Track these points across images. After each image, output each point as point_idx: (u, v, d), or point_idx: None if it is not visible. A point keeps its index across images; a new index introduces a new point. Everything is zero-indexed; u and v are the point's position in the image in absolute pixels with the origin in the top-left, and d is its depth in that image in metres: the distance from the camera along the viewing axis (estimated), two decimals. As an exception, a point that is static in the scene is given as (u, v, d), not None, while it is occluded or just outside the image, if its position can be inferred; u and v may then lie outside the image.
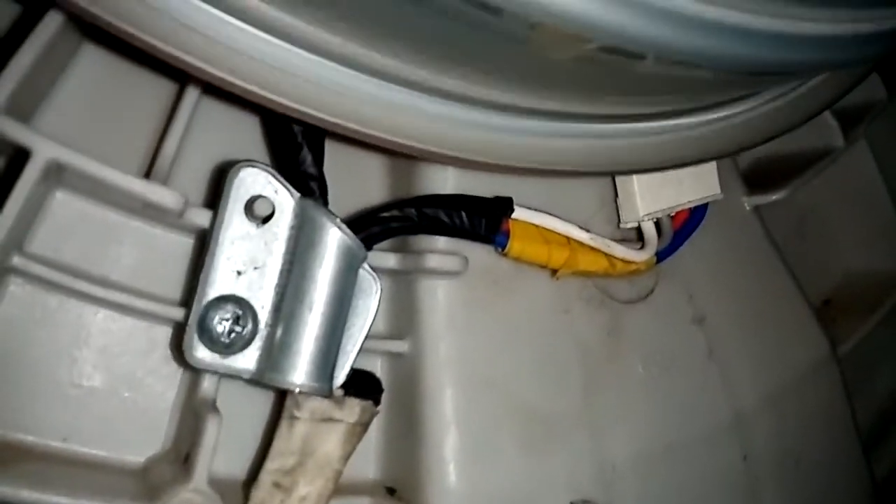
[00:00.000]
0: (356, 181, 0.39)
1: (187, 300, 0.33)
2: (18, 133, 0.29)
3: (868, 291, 0.56)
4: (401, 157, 0.36)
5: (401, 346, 0.38)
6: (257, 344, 0.32)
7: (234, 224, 0.31)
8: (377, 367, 0.38)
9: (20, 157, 0.29)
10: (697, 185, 0.42)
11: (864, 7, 0.29)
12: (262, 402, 0.36)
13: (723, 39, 0.26)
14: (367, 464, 0.38)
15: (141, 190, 0.31)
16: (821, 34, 0.28)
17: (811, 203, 0.55)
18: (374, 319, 0.33)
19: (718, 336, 0.45)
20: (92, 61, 0.35)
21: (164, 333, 0.35)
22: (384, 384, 0.36)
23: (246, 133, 0.37)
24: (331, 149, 0.34)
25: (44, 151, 0.29)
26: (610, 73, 0.29)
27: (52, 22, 0.30)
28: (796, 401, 0.48)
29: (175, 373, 0.35)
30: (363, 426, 0.34)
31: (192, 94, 0.33)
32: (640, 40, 0.25)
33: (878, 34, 0.30)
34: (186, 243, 0.35)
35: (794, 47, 0.28)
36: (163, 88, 0.36)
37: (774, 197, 0.48)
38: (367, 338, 0.33)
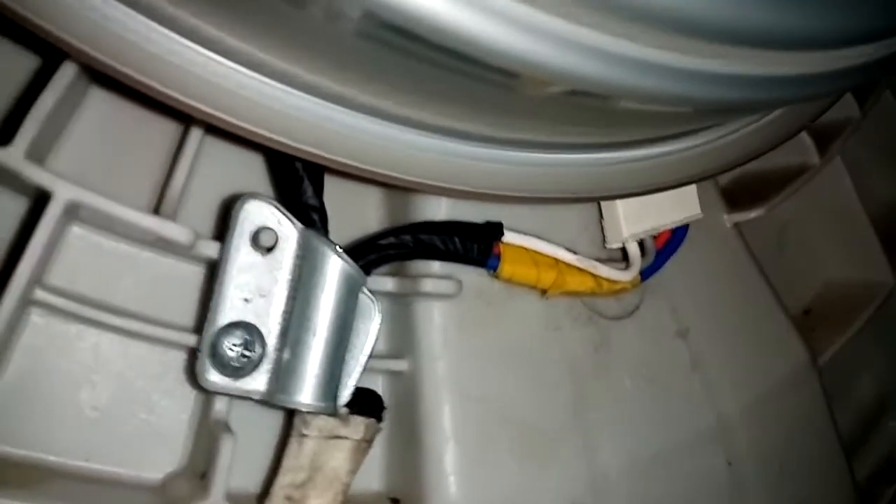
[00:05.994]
0: (355, 211, 0.41)
1: (199, 327, 0.35)
2: (40, 177, 0.31)
3: (847, 301, 0.58)
4: (396, 188, 0.38)
5: (401, 365, 0.39)
6: (266, 367, 0.33)
7: (241, 254, 0.33)
8: (379, 384, 0.40)
9: (41, 198, 0.31)
10: (679, 206, 0.44)
11: (832, 48, 0.31)
12: (272, 421, 0.38)
13: (697, 84, 0.28)
14: (373, 477, 0.40)
15: (153, 226, 0.32)
16: (789, 75, 0.31)
17: (790, 218, 0.57)
18: (375, 341, 0.35)
19: (701, 348, 0.47)
20: (100, 104, 0.36)
21: (178, 357, 0.37)
22: (386, 401, 0.38)
23: (250, 168, 0.38)
24: (331, 181, 0.36)
25: (63, 193, 0.31)
26: (587, 110, 0.31)
27: (68, 71, 0.32)
28: (777, 408, 0.50)
29: (189, 394, 0.37)
30: (368, 442, 0.36)
31: (196, 133, 0.35)
32: (605, 87, 0.27)
33: (847, 70, 0.33)
34: (198, 272, 0.37)
35: (766, 88, 0.30)
36: (169, 128, 0.37)
37: (753, 214, 0.50)
38: (369, 358, 0.35)
